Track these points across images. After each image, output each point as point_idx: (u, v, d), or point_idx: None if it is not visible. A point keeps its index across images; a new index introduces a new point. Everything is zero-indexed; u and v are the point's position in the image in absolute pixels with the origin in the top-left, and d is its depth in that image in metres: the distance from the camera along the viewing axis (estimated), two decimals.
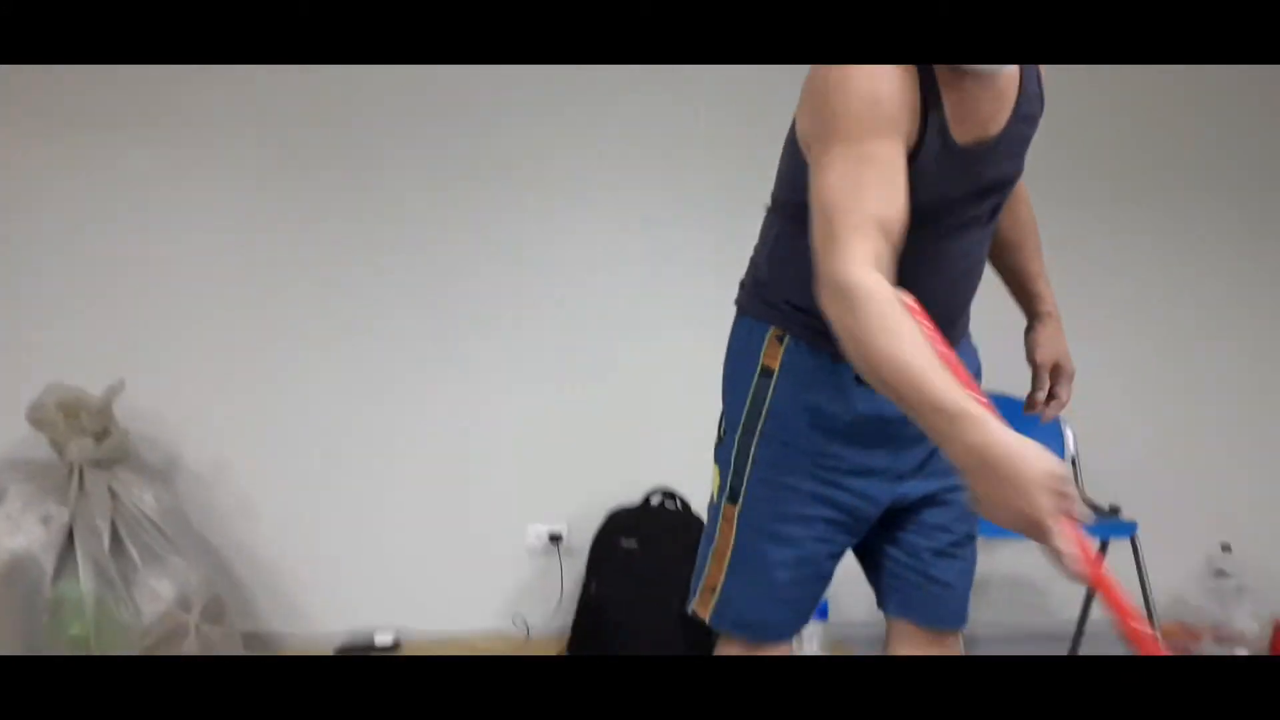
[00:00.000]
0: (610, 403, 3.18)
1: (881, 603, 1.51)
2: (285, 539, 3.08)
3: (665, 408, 3.15)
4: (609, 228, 3.18)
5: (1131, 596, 2.73)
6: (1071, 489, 1.01)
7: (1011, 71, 1.29)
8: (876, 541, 1.47)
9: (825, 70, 1.19)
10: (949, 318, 1.42)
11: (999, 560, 3.18)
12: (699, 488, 2.89)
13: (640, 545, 2.94)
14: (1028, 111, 1.34)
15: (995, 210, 1.39)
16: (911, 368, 1.04)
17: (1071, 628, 3.10)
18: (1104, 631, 3.17)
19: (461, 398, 3.15)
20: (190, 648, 2.60)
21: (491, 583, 3.16)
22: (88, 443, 2.71)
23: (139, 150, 3.00)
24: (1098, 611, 3.05)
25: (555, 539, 3.17)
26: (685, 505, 3.04)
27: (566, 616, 3.05)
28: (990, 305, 1.60)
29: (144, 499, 2.71)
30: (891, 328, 1.06)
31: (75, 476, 2.66)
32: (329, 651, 2.98)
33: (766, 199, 1.48)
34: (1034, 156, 1.50)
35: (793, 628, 1.45)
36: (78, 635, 2.50)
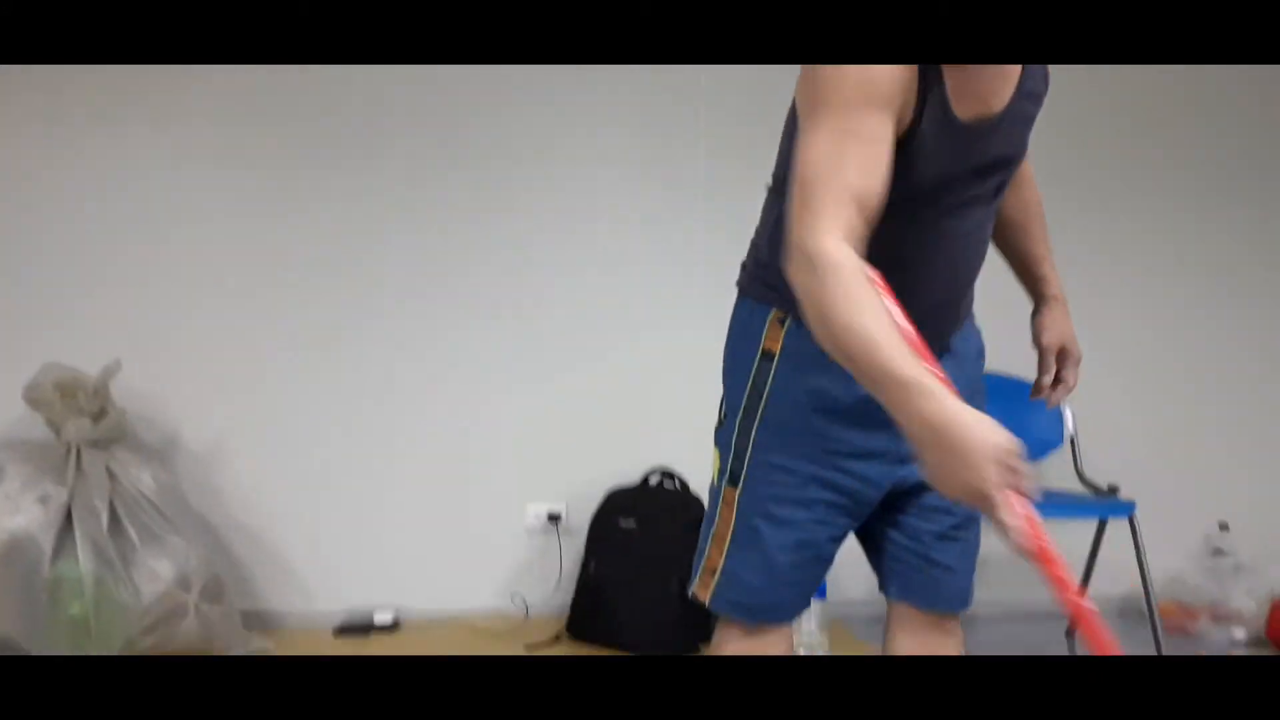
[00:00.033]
0: (609, 383, 3.18)
1: (883, 586, 1.50)
2: (284, 518, 3.08)
3: (664, 388, 3.16)
4: (612, 218, 3.19)
5: (1127, 575, 2.77)
6: (1020, 463, 1.02)
7: None
8: (877, 525, 1.46)
9: None
10: (951, 297, 1.41)
11: (996, 538, 3.19)
12: (698, 468, 2.93)
13: (639, 525, 2.94)
14: (1032, 89, 1.33)
15: (999, 189, 1.37)
16: (871, 339, 1.06)
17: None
18: (1104, 609, 3.21)
19: (462, 379, 3.15)
20: (189, 627, 2.61)
21: (490, 562, 3.17)
22: (85, 423, 2.70)
23: (140, 133, 2.99)
24: (1096, 589, 3.06)
25: (554, 518, 3.17)
26: (684, 485, 3.04)
27: (565, 595, 3.06)
28: (995, 288, 1.59)
29: (142, 479, 2.71)
30: (855, 299, 1.08)
31: (73, 456, 2.66)
32: (328, 630, 2.99)
33: (767, 181, 1.46)
34: (1037, 152, 1.49)
35: (792, 611, 1.44)
36: (77, 615, 2.50)
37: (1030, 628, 3.09)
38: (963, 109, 1.23)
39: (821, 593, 2.89)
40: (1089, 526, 3.03)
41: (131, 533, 2.61)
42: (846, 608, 2.99)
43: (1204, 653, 2.91)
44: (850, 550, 1.49)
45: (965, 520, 1.46)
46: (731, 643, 1.45)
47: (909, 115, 1.20)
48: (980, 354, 1.53)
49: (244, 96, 3.02)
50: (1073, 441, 3.09)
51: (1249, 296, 3.47)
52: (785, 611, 1.44)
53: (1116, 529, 2.86)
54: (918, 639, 1.48)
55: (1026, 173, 1.58)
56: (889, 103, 1.16)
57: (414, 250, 3.12)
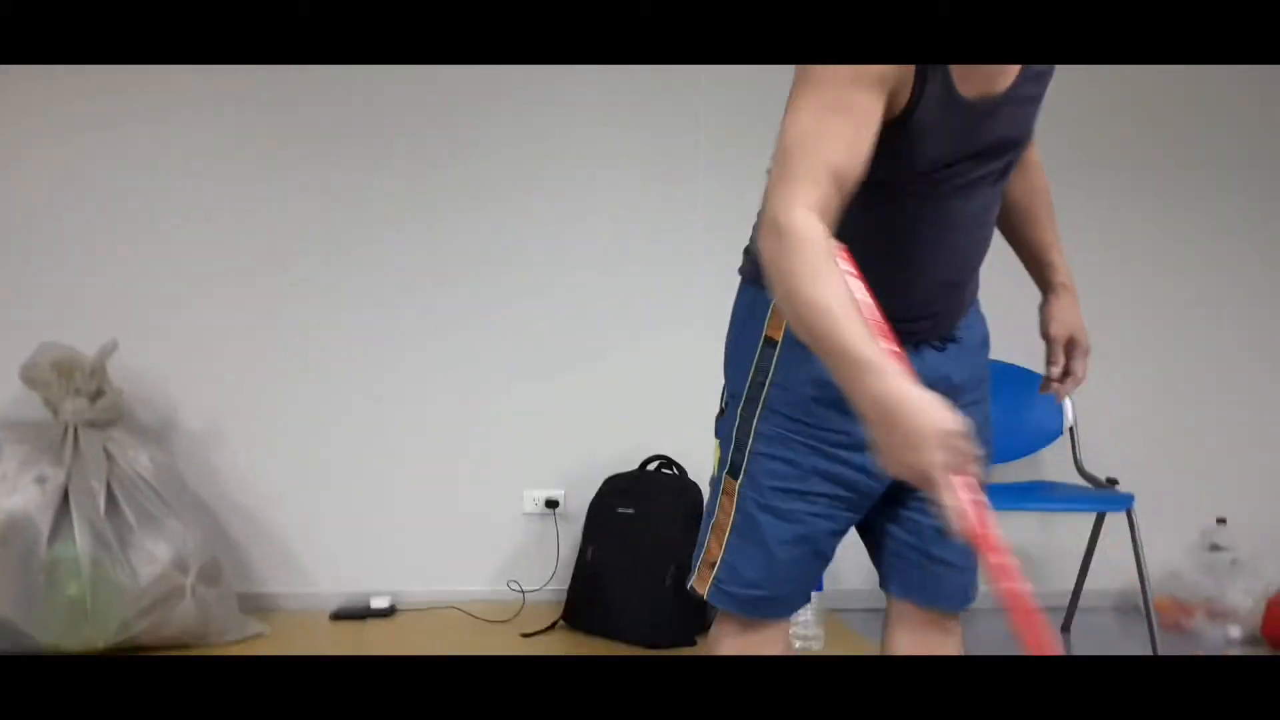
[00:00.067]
0: (609, 371, 3.18)
1: (883, 583, 1.49)
2: (282, 501, 3.07)
3: (664, 376, 3.16)
4: (612, 213, 3.18)
5: (1123, 570, 2.77)
6: (966, 446, 1.02)
7: None
8: (878, 520, 1.45)
9: None
10: (956, 280, 1.39)
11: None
12: (696, 457, 2.93)
13: (636, 511, 2.93)
14: (1038, 69, 1.32)
15: (1004, 172, 1.36)
16: (830, 314, 1.06)
17: (1066, 599, 3.11)
18: (1099, 604, 3.21)
19: (462, 365, 3.14)
20: (186, 610, 2.60)
21: (488, 547, 3.17)
22: (82, 403, 2.69)
23: (138, 113, 2.98)
24: (1092, 583, 3.07)
25: (552, 504, 3.17)
26: (682, 472, 3.04)
27: (562, 582, 3.06)
28: (997, 275, 1.58)
29: (139, 460, 2.70)
30: (819, 273, 1.08)
31: (70, 437, 2.65)
32: (325, 614, 2.99)
33: (769, 166, 1.45)
34: (1039, 147, 1.48)
35: (791, 606, 1.43)
36: (74, 596, 2.50)
37: None
38: (967, 87, 1.22)
39: (818, 585, 2.89)
40: (1087, 518, 3.03)
41: (129, 514, 2.61)
42: (843, 599, 2.99)
43: (1199, 651, 2.91)
44: (847, 539, 1.48)
45: None
46: (728, 637, 1.44)
47: (906, 95, 1.20)
48: (985, 342, 1.52)
49: (245, 88, 3.01)
50: (1072, 433, 3.09)
51: (1250, 294, 3.48)
52: (783, 606, 1.42)
53: (1114, 522, 2.86)
54: (917, 637, 1.47)
55: (1033, 158, 1.57)
56: (879, 81, 1.16)
57: (416, 239, 3.12)
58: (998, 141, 1.30)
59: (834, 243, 1.12)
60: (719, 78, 3.13)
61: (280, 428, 3.07)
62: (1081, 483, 3.03)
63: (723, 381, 1.47)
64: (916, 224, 1.30)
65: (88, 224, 2.97)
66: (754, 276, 1.43)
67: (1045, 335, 1.54)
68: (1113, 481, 2.95)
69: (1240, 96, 3.38)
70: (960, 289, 1.41)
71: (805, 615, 2.80)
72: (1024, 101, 1.31)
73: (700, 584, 1.43)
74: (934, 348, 1.40)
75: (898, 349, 1.10)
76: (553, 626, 2.92)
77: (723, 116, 3.17)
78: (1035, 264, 1.58)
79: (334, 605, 3.03)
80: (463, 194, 3.13)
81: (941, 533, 1.42)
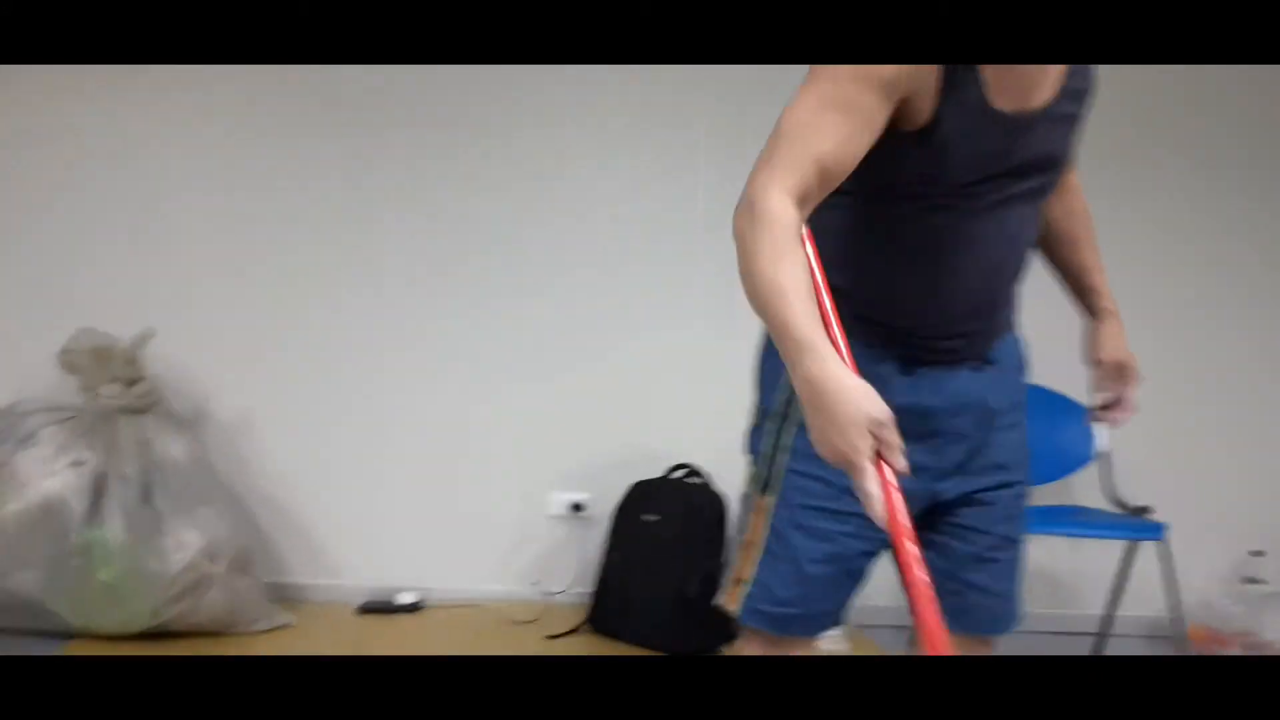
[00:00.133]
0: (638, 375, 3.18)
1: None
2: (313, 493, 3.10)
3: (692, 384, 3.15)
4: (644, 211, 3.17)
5: (1157, 597, 2.73)
6: (891, 436, 1.05)
7: None
8: None
9: None
10: (990, 299, 1.37)
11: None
12: (721, 465, 2.92)
13: (661, 518, 2.93)
14: (1077, 87, 1.30)
15: (1042, 191, 1.34)
16: (784, 294, 1.09)
17: (1095, 624, 3.07)
18: (1132, 631, 3.16)
19: (493, 366, 3.15)
20: (215, 598, 2.63)
21: (513, 548, 3.18)
22: (118, 388, 2.72)
23: (177, 100, 3.00)
24: (1124, 609, 3.02)
25: (578, 508, 3.17)
26: (707, 482, 3.03)
27: (585, 585, 3.06)
28: (1033, 298, 1.55)
29: (172, 447, 2.73)
30: (781, 253, 1.11)
31: (106, 423, 2.68)
32: (351, 607, 3.01)
33: None
34: None
35: (821, 625, 1.41)
36: (106, 581, 2.53)
37: (1057, 646, 3.04)
38: (1002, 101, 1.22)
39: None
40: (1117, 542, 2.98)
41: (161, 501, 2.63)
42: (870, 615, 2.96)
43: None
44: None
45: (1002, 540, 1.42)
46: (755, 653, 1.42)
47: (929, 104, 1.19)
48: (1022, 366, 1.49)
49: (269, 70, 3.02)
50: (1104, 458, 3.05)
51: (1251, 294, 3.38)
52: (814, 625, 1.41)
53: (1148, 550, 2.81)
54: None
55: (1072, 183, 1.55)
56: (888, 85, 1.17)
57: (450, 239, 3.12)
58: (1034, 158, 1.29)
59: (805, 228, 1.16)
60: (719, 77, 3.11)
61: (312, 421, 3.09)
62: (1113, 508, 2.99)
63: (753, 393, 1.46)
64: (951, 239, 1.29)
65: (124, 211, 3.01)
66: None
67: (1092, 361, 1.50)
68: (1146, 510, 2.90)
69: (1240, 96, 3.32)
70: (995, 308, 1.39)
71: (831, 631, 2.77)
72: (1062, 120, 1.30)
73: (730, 601, 1.42)
74: (971, 369, 1.38)
75: (844, 341, 1.14)
76: (576, 630, 2.92)
77: (723, 116, 3.15)
78: (1077, 287, 1.55)
79: (361, 599, 3.05)
80: (530, 208, 3.13)
81: (978, 559, 1.40)
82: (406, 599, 3.05)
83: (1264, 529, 3.25)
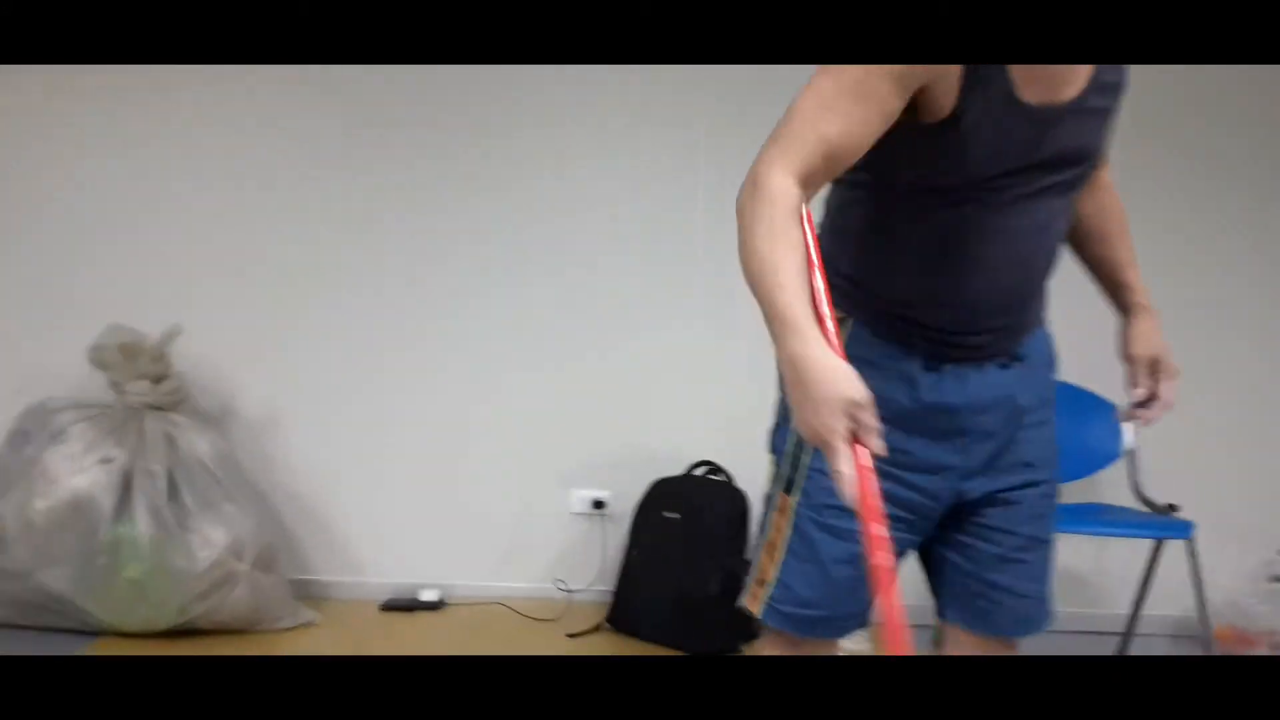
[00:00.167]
0: (660, 373, 3.17)
1: (940, 611, 1.45)
2: (336, 491, 3.12)
3: (715, 382, 3.14)
4: (665, 208, 3.17)
5: (1184, 595, 2.70)
6: (868, 418, 1.06)
7: None
8: (936, 545, 1.42)
9: None
10: (1021, 293, 1.35)
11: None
12: (744, 465, 2.91)
13: (682, 516, 2.93)
14: (1107, 80, 1.28)
15: (1072, 185, 1.32)
16: (776, 271, 1.10)
17: (1122, 623, 3.04)
18: (1158, 630, 3.13)
19: (516, 364, 3.16)
20: (241, 596, 2.65)
21: (535, 545, 3.19)
22: (146, 385, 2.74)
23: (176, 100, 3.03)
24: (1150, 608, 2.99)
25: (599, 505, 3.17)
26: (729, 479, 3.03)
27: (607, 582, 3.07)
28: (1062, 294, 1.54)
29: (199, 445, 2.75)
30: (778, 231, 1.12)
31: (134, 419, 2.71)
32: (375, 604, 3.03)
33: None
34: None
35: (846, 626, 1.40)
36: (134, 577, 2.55)
37: (1080, 645, 3.02)
38: (1029, 93, 1.21)
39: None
40: (1144, 541, 2.96)
41: (188, 498, 2.65)
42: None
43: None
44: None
45: (1029, 540, 1.40)
46: (776, 654, 1.42)
47: (951, 95, 1.19)
48: (1051, 362, 1.48)
49: (269, 88, 3.06)
50: (1131, 455, 3.02)
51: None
52: (838, 627, 1.40)
53: (1174, 549, 2.78)
54: None
55: (1104, 180, 1.53)
56: (905, 74, 1.17)
57: (475, 239, 3.13)
58: (1063, 152, 1.28)
59: (806, 209, 1.16)
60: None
61: (336, 419, 3.11)
62: (1140, 506, 2.96)
63: (776, 392, 1.45)
64: (979, 232, 1.28)
65: (150, 210, 3.04)
66: None
67: (1126, 357, 1.48)
68: (1173, 508, 2.87)
69: (1240, 96, 3.28)
70: (1024, 303, 1.37)
71: (856, 631, 2.77)
72: (1091, 113, 1.29)
73: (753, 602, 1.41)
74: (999, 366, 1.37)
75: (834, 323, 1.13)
76: (598, 628, 2.93)
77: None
78: (1111, 284, 1.53)
79: (384, 596, 3.07)
80: (509, 163, 3.14)
81: (1003, 559, 1.39)
82: (429, 596, 3.06)
83: None
